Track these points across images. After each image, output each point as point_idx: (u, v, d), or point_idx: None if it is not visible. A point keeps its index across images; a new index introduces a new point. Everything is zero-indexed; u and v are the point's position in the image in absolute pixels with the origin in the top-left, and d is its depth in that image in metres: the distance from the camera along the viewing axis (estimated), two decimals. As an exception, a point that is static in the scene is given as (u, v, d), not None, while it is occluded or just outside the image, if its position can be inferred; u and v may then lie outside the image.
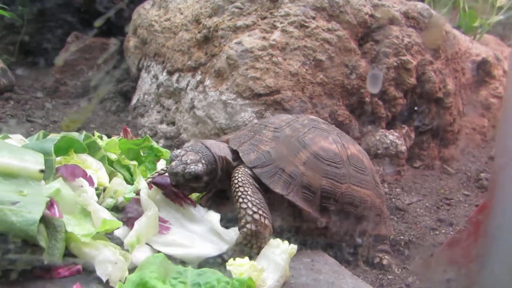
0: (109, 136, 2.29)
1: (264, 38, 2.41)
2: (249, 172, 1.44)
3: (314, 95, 2.38)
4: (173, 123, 2.70)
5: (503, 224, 0.86)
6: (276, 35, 2.42)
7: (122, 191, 1.59)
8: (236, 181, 1.40)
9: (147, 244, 1.29)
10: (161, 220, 1.34)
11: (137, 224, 1.30)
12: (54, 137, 1.54)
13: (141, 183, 1.39)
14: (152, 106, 2.88)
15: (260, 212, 1.32)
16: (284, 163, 1.47)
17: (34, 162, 1.24)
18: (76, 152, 1.62)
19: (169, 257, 1.22)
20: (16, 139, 1.68)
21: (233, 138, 1.59)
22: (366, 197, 1.60)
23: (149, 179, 1.51)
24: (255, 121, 2.28)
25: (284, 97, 2.32)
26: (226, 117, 2.36)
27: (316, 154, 1.52)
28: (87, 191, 1.32)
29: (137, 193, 1.52)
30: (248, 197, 1.34)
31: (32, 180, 1.23)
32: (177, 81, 2.68)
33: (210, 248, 1.30)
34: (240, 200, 1.34)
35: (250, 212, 1.31)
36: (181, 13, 2.86)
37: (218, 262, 1.26)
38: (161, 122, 2.78)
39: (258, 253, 1.29)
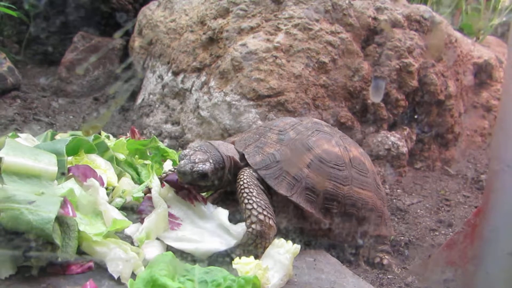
0: (115, 136, 2.34)
1: (268, 40, 2.45)
2: (254, 174, 1.48)
3: (317, 97, 2.42)
4: (178, 123, 2.74)
5: (498, 227, 0.90)
6: (280, 37, 2.46)
7: (130, 190, 1.64)
8: (241, 182, 1.44)
9: (157, 239, 1.34)
10: (172, 217, 1.39)
11: (146, 221, 1.35)
12: (65, 138, 1.59)
13: (154, 182, 1.42)
14: (157, 106, 2.92)
15: (265, 213, 1.37)
16: (288, 165, 1.51)
17: (48, 163, 1.29)
18: (85, 152, 1.67)
19: (180, 251, 1.26)
20: (25, 138, 1.73)
21: (239, 141, 1.63)
22: (367, 198, 1.64)
23: (164, 176, 1.55)
24: (259, 122, 2.32)
25: (288, 99, 2.36)
26: (230, 118, 2.40)
27: (320, 156, 1.56)
28: (98, 191, 1.36)
29: (146, 193, 1.57)
30: (254, 198, 1.38)
31: (46, 180, 1.28)
32: (182, 81, 2.72)
33: (219, 243, 1.34)
34: (246, 201, 1.38)
35: (255, 213, 1.35)
36: (186, 15, 2.90)
37: (226, 260, 1.31)
38: (166, 122, 2.82)
39: (263, 253, 1.34)
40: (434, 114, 2.85)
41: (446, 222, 2.16)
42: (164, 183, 1.45)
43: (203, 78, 2.60)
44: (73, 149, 1.62)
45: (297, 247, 1.32)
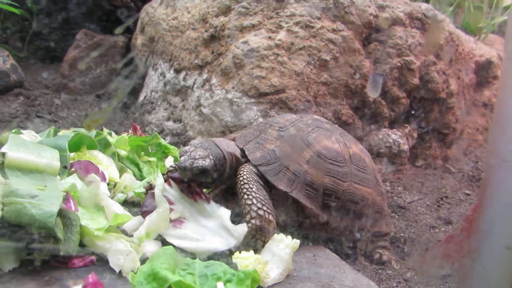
0: (117, 133, 2.36)
1: (270, 37, 2.45)
2: (254, 169, 1.50)
3: (318, 94, 2.43)
4: (180, 121, 2.76)
5: (494, 221, 0.91)
6: (282, 35, 2.47)
7: (132, 186, 1.65)
8: (241, 178, 1.45)
9: (159, 236, 1.35)
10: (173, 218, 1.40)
11: (147, 219, 1.36)
12: (68, 134, 1.60)
13: (158, 179, 1.44)
14: (159, 103, 2.94)
15: (265, 208, 1.38)
16: (288, 161, 1.52)
17: (51, 158, 1.31)
18: (88, 148, 1.69)
19: (181, 249, 1.28)
20: (28, 135, 1.74)
21: (240, 137, 1.65)
22: (367, 195, 1.65)
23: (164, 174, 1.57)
24: (260, 119, 2.33)
25: (289, 96, 2.37)
26: (231, 115, 2.41)
27: (319, 153, 1.57)
28: (100, 186, 1.37)
29: (147, 189, 1.58)
30: (253, 193, 1.40)
31: (48, 175, 1.29)
32: (184, 79, 2.73)
33: (219, 243, 1.35)
34: (246, 196, 1.40)
35: (255, 208, 1.37)
36: (189, 12, 2.91)
37: (225, 254, 1.32)
38: (168, 119, 2.84)
39: (262, 247, 1.35)
40: (435, 112, 2.85)
41: (446, 219, 2.16)
42: (169, 179, 1.46)
43: (204, 76, 2.61)
44: (76, 145, 1.64)
45: (296, 242, 1.33)
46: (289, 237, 1.35)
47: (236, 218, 1.43)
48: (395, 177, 2.61)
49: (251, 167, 1.49)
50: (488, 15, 3.87)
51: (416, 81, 2.67)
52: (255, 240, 1.35)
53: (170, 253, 1.19)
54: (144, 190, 1.60)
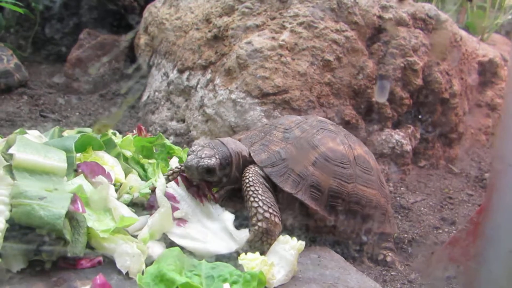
0: (120, 132, 2.36)
1: (273, 38, 2.46)
2: (259, 171, 1.50)
3: (322, 95, 2.44)
4: (183, 121, 2.77)
5: (500, 225, 0.92)
6: (285, 36, 2.47)
7: (137, 186, 1.66)
8: (247, 180, 1.46)
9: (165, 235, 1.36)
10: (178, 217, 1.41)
11: (150, 220, 1.37)
12: (74, 135, 1.61)
13: (159, 180, 1.45)
14: (162, 103, 2.94)
15: (271, 210, 1.39)
16: (294, 163, 1.53)
17: (58, 160, 1.31)
18: (93, 149, 1.70)
19: (182, 248, 1.29)
20: (33, 135, 1.75)
21: (245, 138, 1.65)
22: (371, 196, 1.66)
23: (170, 173, 1.58)
24: (264, 119, 2.34)
25: (292, 97, 2.37)
26: (235, 116, 2.42)
27: (324, 155, 1.58)
28: (108, 187, 1.38)
29: (152, 189, 1.59)
30: (259, 196, 1.41)
31: (56, 176, 1.30)
32: (188, 79, 2.74)
33: (220, 246, 1.36)
34: (252, 199, 1.40)
35: (261, 211, 1.37)
36: (192, 12, 2.91)
37: (232, 255, 1.33)
38: (171, 119, 2.85)
39: (268, 249, 1.36)
40: (439, 113, 2.85)
41: (450, 220, 2.17)
42: (178, 178, 1.47)
43: (208, 76, 2.61)
44: (82, 146, 1.64)
45: (302, 243, 1.34)
46: (295, 238, 1.36)
47: (243, 222, 1.44)
48: (398, 177, 2.62)
49: (256, 169, 1.50)
50: (491, 14, 3.87)
51: (419, 81, 2.68)
52: (261, 242, 1.36)
53: (176, 254, 1.20)
54: (149, 190, 1.61)
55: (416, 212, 2.25)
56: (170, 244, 1.34)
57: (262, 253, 1.33)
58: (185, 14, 2.95)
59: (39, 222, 1.12)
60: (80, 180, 1.36)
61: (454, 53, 2.77)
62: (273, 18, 2.54)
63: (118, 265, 1.21)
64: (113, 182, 1.57)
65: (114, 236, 1.28)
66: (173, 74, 2.86)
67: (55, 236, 1.17)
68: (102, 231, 1.27)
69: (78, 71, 3.45)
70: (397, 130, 2.68)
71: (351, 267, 1.45)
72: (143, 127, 2.07)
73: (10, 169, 1.27)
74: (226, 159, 1.48)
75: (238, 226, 1.42)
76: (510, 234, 0.91)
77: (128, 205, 1.53)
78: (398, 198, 2.37)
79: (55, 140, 1.55)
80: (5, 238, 1.11)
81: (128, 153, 1.84)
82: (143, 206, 1.54)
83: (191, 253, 1.34)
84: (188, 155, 1.46)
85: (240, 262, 1.25)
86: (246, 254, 1.28)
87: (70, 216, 1.22)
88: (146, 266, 1.19)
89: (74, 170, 1.41)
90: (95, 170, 1.46)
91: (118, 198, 1.58)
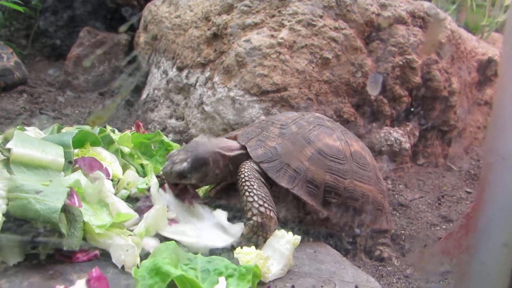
0: (120, 130, 2.37)
1: (272, 36, 2.46)
2: (255, 167, 1.51)
3: (320, 92, 2.44)
4: (182, 118, 2.77)
5: (492, 218, 0.93)
6: (284, 33, 2.48)
7: (135, 182, 1.67)
8: (242, 175, 1.47)
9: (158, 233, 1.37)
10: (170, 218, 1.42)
11: (146, 216, 1.37)
12: (72, 130, 1.62)
13: (152, 180, 1.46)
14: (161, 101, 2.95)
15: (266, 205, 1.39)
16: (290, 158, 1.53)
17: (55, 155, 1.32)
18: (91, 145, 1.70)
19: (177, 243, 1.29)
20: (32, 132, 1.76)
21: (241, 134, 1.66)
22: (367, 192, 1.67)
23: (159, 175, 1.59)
24: (262, 117, 2.34)
25: (291, 94, 2.38)
26: (234, 113, 2.42)
27: (321, 150, 1.59)
28: (105, 183, 1.39)
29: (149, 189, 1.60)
30: (254, 190, 1.41)
31: (53, 171, 1.31)
32: (187, 77, 2.75)
33: (216, 240, 1.36)
34: (247, 193, 1.41)
35: (256, 205, 1.38)
36: (191, 10, 2.92)
37: (227, 249, 1.33)
38: (171, 117, 2.86)
39: (264, 243, 1.37)
40: (437, 110, 2.85)
41: (447, 217, 2.17)
42: (165, 185, 1.49)
43: (207, 74, 2.62)
44: (79, 142, 1.65)
45: (297, 238, 1.35)
46: (290, 233, 1.36)
47: (237, 214, 1.45)
48: (396, 175, 2.62)
49: (252, 164, 1.51)
50: (491, 13, 3.87)
51: (418, 79, 2.68)
52: (257, 236, 1.37)
53: (172, 248, 1.20)
54: (146, 186, 1.62)
55: (414, 209, 2.26)
56: (165, 240, 1.35)
57: (258, 247, 1.33)
58: (184, 12, 2.96)
59: (35, 216, 1.12)
60: (77, 175, 1.36)
61: (446, 49, 2.76)
62: (272, 16, 2.54)
63: (113, 260, 1.22)
64: (110, 177, 1.58)
65: (110, 231, 1.28)
66: (172, 72, 2.87)
67: (51, 229, 1.17)
68: (98, 226, 1.27)
69: (78, 69, 3.46)
70: (396, 127, 2.68)
71: (347, 262, 1.46)
72: (141, 124, 2.08)
73: (7, 163, 1.28)
74: (199, 161, 1.48)
75: (232, 218, 1.43)
76: (501, 227, 0.92)
77: (125, 200, 1.54)
78: (396, 196, 2.38)
79: (52, 136, 1.56)
80: (2, 231, 1.12)
81: (126, 149, 1.85)
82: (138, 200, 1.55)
83: (186, 248, 1.34)
84: (167, 159, 1.48)
85: (235, 256, 1.26)
86: (241, 248, 1.28)
87: (67, 210, 1.23)
88: (142, 260, 1.20)
89: (71, 164, 1.42)
90: (92, 165, 1.47)
91: (115, 194, 1.59)
